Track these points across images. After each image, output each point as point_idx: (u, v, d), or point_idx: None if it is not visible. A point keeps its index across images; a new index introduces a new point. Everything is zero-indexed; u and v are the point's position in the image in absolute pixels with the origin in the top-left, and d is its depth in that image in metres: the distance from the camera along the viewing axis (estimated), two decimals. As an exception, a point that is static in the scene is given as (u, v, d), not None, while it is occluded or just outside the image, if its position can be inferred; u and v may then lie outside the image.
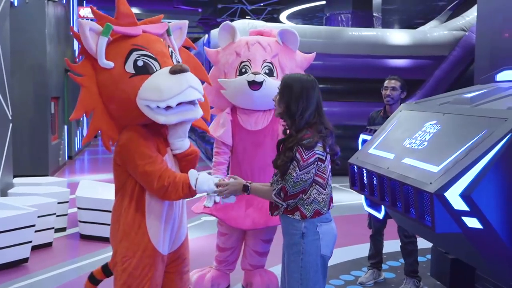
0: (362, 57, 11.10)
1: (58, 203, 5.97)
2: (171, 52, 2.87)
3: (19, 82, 9.85)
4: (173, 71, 2.60)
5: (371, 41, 11.27)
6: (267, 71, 4.06)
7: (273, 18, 21.19)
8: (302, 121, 2.62)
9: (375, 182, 2.83)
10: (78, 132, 14.94)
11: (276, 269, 4.77)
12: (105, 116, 2.79)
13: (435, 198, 2.21)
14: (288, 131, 2.71)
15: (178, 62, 2.86)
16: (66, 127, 12.88)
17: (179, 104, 2.60)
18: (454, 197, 2.20)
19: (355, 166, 3.10)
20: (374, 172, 2.80)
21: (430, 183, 2.28)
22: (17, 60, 9.82)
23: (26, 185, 6.84)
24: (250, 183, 2.77)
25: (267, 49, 4.14)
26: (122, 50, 2.72)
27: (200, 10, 20.40)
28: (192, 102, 2.68)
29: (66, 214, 6.35)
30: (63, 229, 6.31)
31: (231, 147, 4.20)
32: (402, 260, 5.26)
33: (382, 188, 2.74)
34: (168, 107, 2.60)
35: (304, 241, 2.66)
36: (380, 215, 3.48)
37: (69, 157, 13.33)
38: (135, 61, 2.69)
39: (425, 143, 2.62)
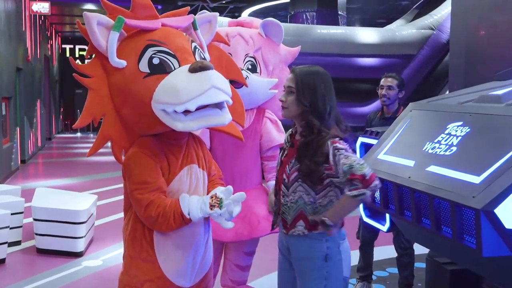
0: (331, 56, 10.83)
1: (12, 214, 5.38)
2: (195, 47, 2.44)
3: (-34, 81, 9.16)
4: (193, 69, 2.18)
5: (339, 39, 11.01)
6: (249, 67, 3.64)
7: (235, 16, 20.80)
8: (331, 118, 2.31)
9: (391, 194, 2.44)
10: (31, 134, 14.12)
11: (258, 284, 4.40)
12: (117, 123, 2.38)
13: (482, 215, 1.84)
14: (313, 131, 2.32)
15: (203, 59, 2.44)
16: (18, 129, 12.10)
17: (202, 107, 2.18)
18: (505, 213, 1.83)
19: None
20: (391, 182, 2.41)
21: (473, 196, 1.90)
22: (-37, 57, 9.13)
23: (-26, 194, 6.16)
24: None
25: (249, 42, 3.71)
26: (136, 47, 2.32)
27: (160, 7, 19.77)
28: (218, 105, 2.24)
29: (20, 226, 5.75)
30: (18, 243, 5.71)
31: (209, 150, 3.76)
32: (390, 270, 4.98)
33: (401, 201, 2.36)
34: (187, 111, 2.17)
35: (328, 264, 2.28)
36: (384, 228, 3.11)
37: (22, 161, 12.55)
38: (150, 58, 2.29)
39: (454, 148, 2.24)
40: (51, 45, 21.59)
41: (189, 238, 2.42)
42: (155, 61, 2.28)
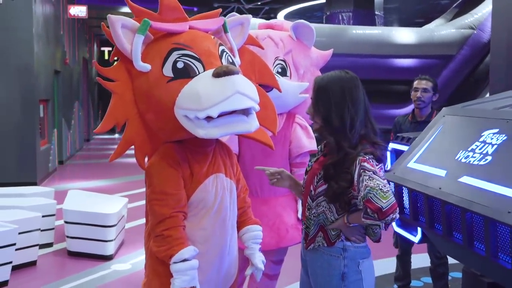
0: (367, 57, 10.62)
1: (43, 216, 5.42)
2: (222, 51, 2.34)
3: (4, 84, 9.33)
4: (217, 74, 2.09)
5: (375, 40, 10.79)
6: (279, 70, 3.54)
7: (270, 17, 20.71)
8: (355, 135, 2.09)
9: (421, 205, 2.30)
10: (69, 136, 14.37)
11: (287, 292, 4.30)
12: (140, 128, 2.32)
13: (518, 232, 1.69)
14: (337, 152, 2.13)
15: (231, 63, 2.35)
16: (56, 131, 12.31)
17: (228, 113, 2.09)
18: (544, 231, 1.69)
19: (392, 183, 2.57)
20: (420, 193, 2.27)
21: (509, 212, 1.75)
22: (2, 61, 9.31)
23: (8, 196, 6.22)
24: None
25: (279, 45, 3.61)
26: (161, 50, 2.25)
27: (195, 9, 19.86)
28: (244, 112, 2.14)
29: (52, 228, 5.80)
30: (50, 245, 5.76)
31: (237, 155, 3.67)
32: (424, 279, 4.83)
33: (431, 213, 2.22)
34: (210, 118, 2.08)
35: (345, 284, 2.14)
36: (416, 239, 2.96)
37: (60, 163, 12.77)
38: (175, 62, 2.21)
39: (488, 158, 2.09)
40: (90, 48, 21.96)
41: (214, 248, 2.33)
42: (179, 65, 2.21)
